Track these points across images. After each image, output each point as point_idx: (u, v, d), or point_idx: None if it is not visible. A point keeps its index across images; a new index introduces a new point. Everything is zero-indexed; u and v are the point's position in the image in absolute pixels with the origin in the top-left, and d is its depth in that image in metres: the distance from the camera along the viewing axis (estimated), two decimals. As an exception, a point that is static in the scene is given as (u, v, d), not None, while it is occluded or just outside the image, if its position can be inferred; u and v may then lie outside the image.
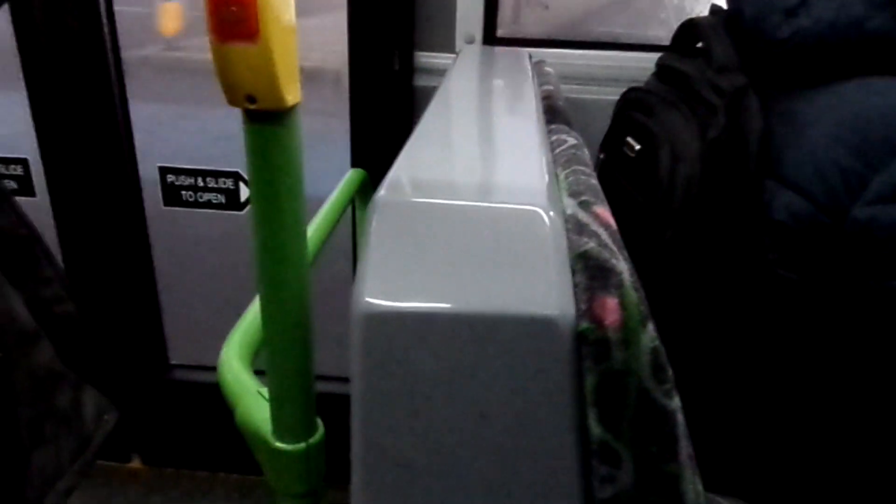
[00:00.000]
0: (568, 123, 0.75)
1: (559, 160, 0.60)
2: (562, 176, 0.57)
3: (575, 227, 0.46)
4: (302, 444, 0.56)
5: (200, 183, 1.48)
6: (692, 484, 0.45)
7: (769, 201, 0.74)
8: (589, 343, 0.41)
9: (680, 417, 0.44)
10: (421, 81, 1.32)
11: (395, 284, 0.42)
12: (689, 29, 0.93)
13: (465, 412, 0.42)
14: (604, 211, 0.50)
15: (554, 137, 0.66)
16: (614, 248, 0.45)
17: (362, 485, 0.45)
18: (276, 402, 0.56)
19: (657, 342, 0.43)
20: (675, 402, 0.44)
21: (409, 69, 1.29)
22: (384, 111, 1.30)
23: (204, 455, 1.70)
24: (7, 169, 1.43)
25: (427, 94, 1.31)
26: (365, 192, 1.23)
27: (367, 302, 0.41)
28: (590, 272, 0.43)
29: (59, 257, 0.90)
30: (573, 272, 0.43)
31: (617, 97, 1.03)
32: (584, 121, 0.88)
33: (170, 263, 1.58)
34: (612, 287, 0.42)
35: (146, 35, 1.44)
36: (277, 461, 0.57)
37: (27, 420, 0.67)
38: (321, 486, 0.59)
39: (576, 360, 0.42)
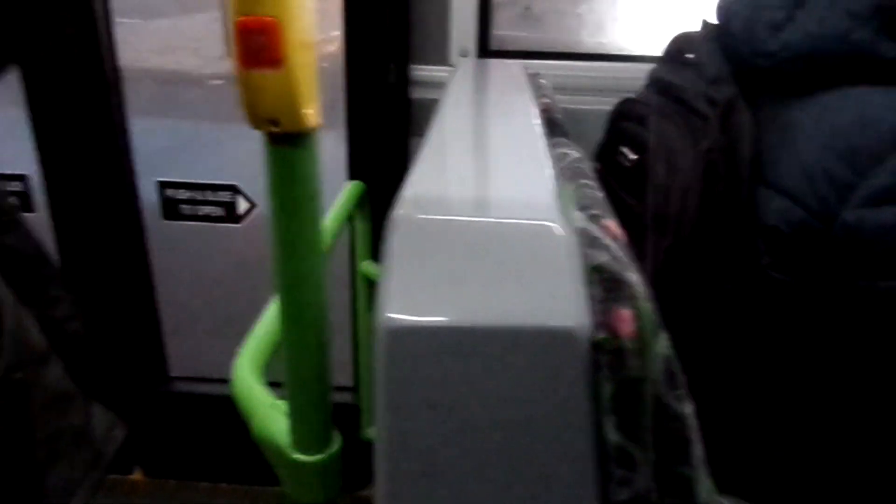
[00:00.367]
0: (566, 135, 0.77)
1: (565, 174, 0.62)
2: (569, 190, 0.59)
3: (586, 241, 0.48)
4: (320, 456, 0.57)
5: (199, 196, 1.49)
6: (704, 486, 0.47)
7: (762, 207, 0.77)
8: (605, 353, 0.43)
9: (692, 422, 0.46)
10: (417, 94, 1.33)
11: (416, 300, 0.44)
12: (681, 42, 0.95)
13: (486, 422, 0.44)
14: (612, 224, 0.52)
15: (557, 151, 0.68)
16: (626, 261, 0.47)
17: (386, 494, 0.46)
18: (294, 414, 0.57)
19: (669, 350, 0.45)
20: (687, 407, 0.46)
21: (405, 81, 1.31)
22: (381, 123, 1.32)
23: (205, 466, 1.70)
24: (7, 185, 1.43)
25: (423, 106, 1.33)
26: (363, 204, 1.24)
27: (389, 317, 0.43)
28: (604, 284, 0.45)
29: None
30: (587, 284, 0.45)
31: (609, 107, 1.05)
32: (577, 131, 0.90)
33: (169, 276, 1.59)
34: (627, 298, 0.44)
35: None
36: (296, 472, 0.58)
37: (41, 439, 0.68)
38: (338, 495, 0.61)
39: (592, 370, 0.43)
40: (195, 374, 1.68)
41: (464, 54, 1.30)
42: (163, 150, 1.52)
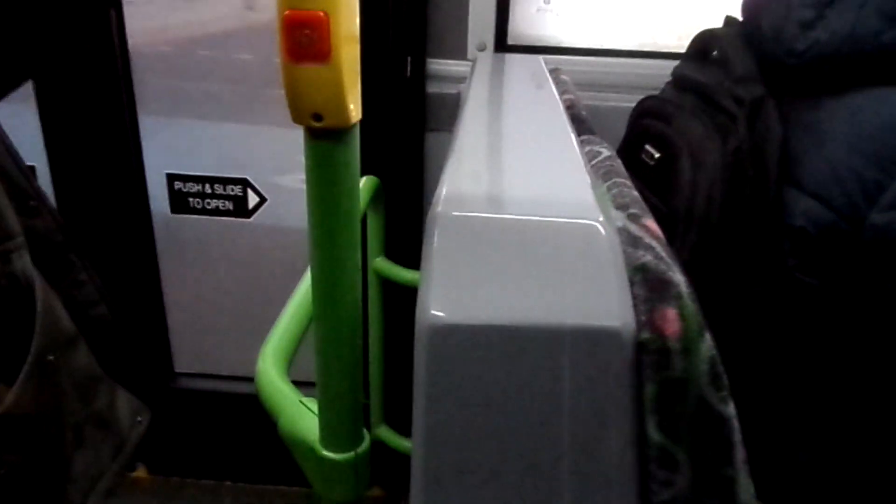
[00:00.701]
0: (592, 133, 0.77)
1: (598, 172, 0.62)
2: (604, 188, 0.58)
3: (628, 240, 0.48)
4: (351, 454, 0.57)
5: (208, 190, 1.48)
6: (746, 488, 0.47)
7: (789, 208, 0.76)
8: (650, 353, 0.43)
9: (735, 423, 0.46)
10: (433, 88, 1.33)
11: (459, 297, 0.43)
12: (705, 39, 0.95)
13: (527, 421, 0.44)
14: (652, 223, 0.51)
15: (587, 149, 0.67)
16: (669, 261, 0.46)
17: (424, 492, 0.46)
18: (324, 411, 0.56)
19: (714, 351, 0.45)
20: (731, 409, 0.46)
21: (422, 76, 1.31)
22: (396, 118, 1.31)
23: (210, 463, 1.69)
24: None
25: (439, 101, 1.32)
26: (377, 199, 1.24)
27: (432, 314, 0.42)
28: (648, 284, 0.44)
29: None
30: (631, 284, 0.45)
31: (629, 105, 1.04)
32: (597, 128, 0.89)
33: (176, 271, 1.58)
34: (672, 298, 0.44)
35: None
36: (326, 470, 0.58)
37: (70, 423, 0.68)
38: (366, 493, 0.60)
39: (636, 370, 0.43)
40: (201, 371, 1.67)
41: (481, 48, 1.29)
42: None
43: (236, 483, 1.70)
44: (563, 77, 1.07)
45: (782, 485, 0.79)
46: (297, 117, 0.44)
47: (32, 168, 1.41)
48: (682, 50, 1.01)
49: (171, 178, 1.48)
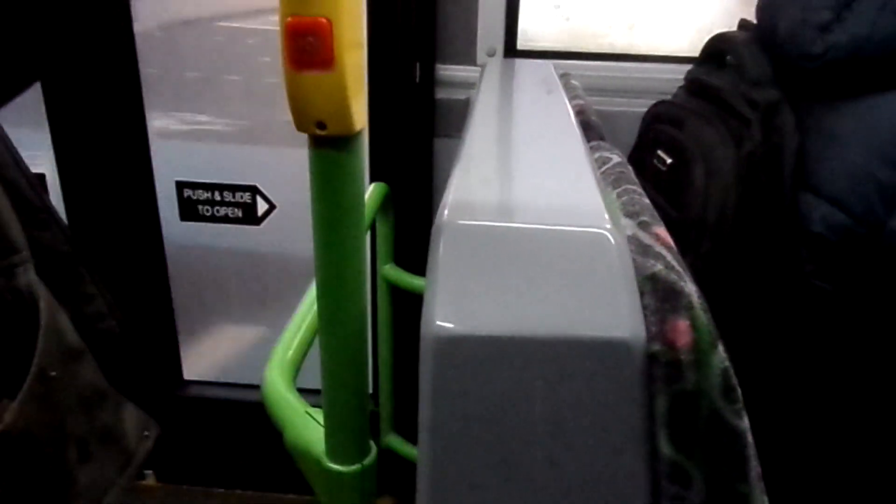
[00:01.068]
0: (603, 139, 0.76)
1: (607, 179, 0.61)
2: (613, 195, 0.57)
3: (638, 249, 0.47)
4: (357, 465, 0.56)
5: (217, 197, 1.48)
6: (761, 503, 0.45)
7: (805, 213, 0.75)
8: (661, 365, 0.42)
9: (749, 437, 0.44)
10: (442, 94, 1.32)
11: (465, 308, 0.42)
12: (719, 43, 0.94)
13: (535, 433, 0.43)
14: (663, 232, 0.50)
15: (597, 155, 0.66)
16: (681, 270, 0.45)
17: (430, 503, 0.45)
18: (330, 422, 0.56)
19: (727, 363, 0.43)
20: (745, 422, 0.44)
21: (431, 81, 1.30)
22: (405, 124, 1.31)
23: (219, 472, 1.69)
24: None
25: (448, 107, 1.31)
26: (386, 206, 1.23)
27: (438, 325, 0.42)
28: (659, 294, 0.43)
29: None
30: (641, 294, 0.44)
31: (640, 109, 1.03)
32: (608, 133, 0.88)
33: (185, 278, 1.58)
34: (683, 309, 0.43)
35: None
36: (332, 482, 0.57)
37: (75, 438, 0.67)
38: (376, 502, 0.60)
39: (646, 382, 0.42)
40: (211, 379, 1.67)
41: (491, 54, 1.28)
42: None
43: (246, 491, 1.69)
44: (574, 82, 1.06)
45: (798, 499, 0.78)
46: (301, 125, 0.43)
47: (42, 176, 1.42)
48: (696, 54, 0.99)
49: (181, 185, 1.48)
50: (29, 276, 0.61)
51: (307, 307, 0.77)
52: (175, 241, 1.54)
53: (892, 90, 0.73)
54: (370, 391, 1.56)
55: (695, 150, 0.81)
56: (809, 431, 0.79)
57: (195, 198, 1.49)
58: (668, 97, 1.00)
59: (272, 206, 1.50)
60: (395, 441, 1.38)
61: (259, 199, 1.49)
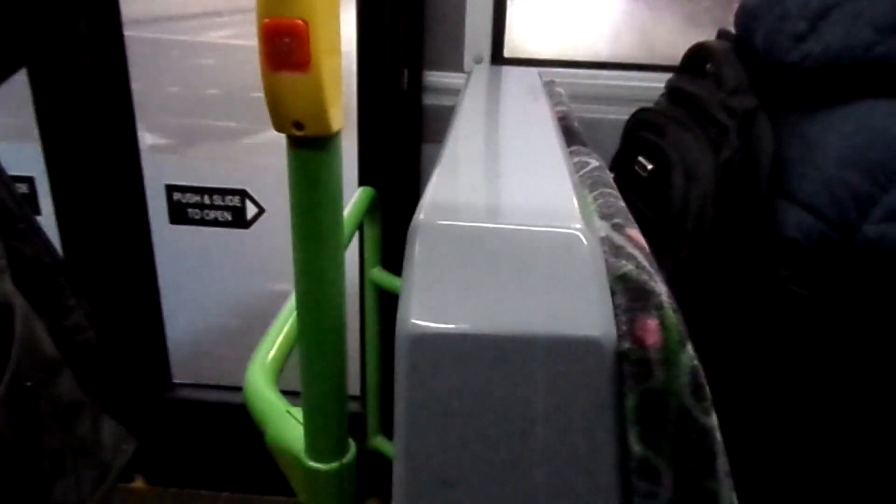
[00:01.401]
0: (584, 144, 0.77)
1: (585, 182, 0.62)
2: (590, 198, 0.58)
3: (611, 250, 0.48)
4: (335, 464, 0.57)
5: (207, 201, 1.48)
6: (729, 500, 0.46)
7: (781, 219, 0.76)
8: (630, 363, 0.43)
9: (717, 434, 0.45)
10: (429, 100, 1.33)
11: (439, 306, 0.43)
12: (699, 52, 0.95)
13: (509, 431, 0.43)
14: (636, 233, 0.51)
15: (576, 159, 0.67)
16: (651, 271, 0.46)
17: (405, 502, 0.45)
18: (309, 421, 0.56)
19: (696, 361, 0.44)
20: (713, 420, 0.45)
21: (418, 88, 1.31)
22: (393, 129, 1.32)
23: (207, 474, 1.69)
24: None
25: (436, 113, 1.32)
26: (373, 210, 1.24)
27: (412, 323, 0.42)
28: (630, 294, 0.44)
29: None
30: (612, 294, 0.45)
31: (624, 117, 1.04)
32: (591, 140, 0.90)
33: (175, 281, 1.58)
34: (653, 308, 0.43)
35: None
36: (311, 481, 0.58)
37: (49, 450, 0.66)
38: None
39: (616, 380, 0.43)
40: (199, 381, 1.67)
41: (478, 61, 1.30)
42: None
43: (234, 493, 1.69)
44: (558, 89, 1.07)
45: (768, 496, 0.79)
46: (279, 125, 0.44)
47: (31, 179, 1.42)
48: (676, 62, 1.01)
49: (170, 188, 1.48)
50: (4, 286, 0.61)
51: (291, 307, 0.77)
52: (164, 244, 1.54)
53: (865, 99, 0.75)
54: (358, 393, 1.57)
55: (674, 156, 0.83)
56: (786, 434, 0.80)
57: (185, 201, 1.50)
58: (650, 105, 1.02)
59: (261, 210, 1.51)
60: (382, 443, 1.38)
61: (248, 203, 1.49)
